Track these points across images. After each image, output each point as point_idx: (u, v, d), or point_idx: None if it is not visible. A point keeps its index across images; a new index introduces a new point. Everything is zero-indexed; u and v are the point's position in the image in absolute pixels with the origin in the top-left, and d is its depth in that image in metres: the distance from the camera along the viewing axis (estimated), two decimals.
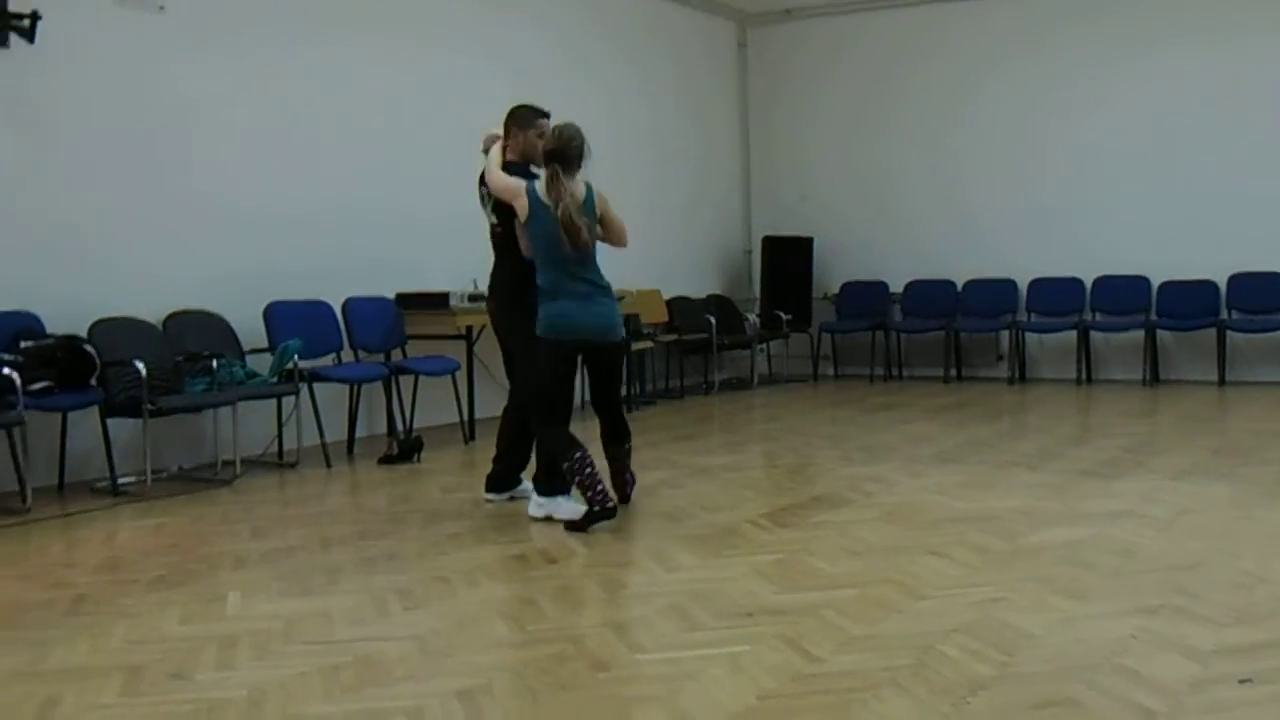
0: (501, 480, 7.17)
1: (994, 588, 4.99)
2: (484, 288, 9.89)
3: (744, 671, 4.05)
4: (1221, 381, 12.51)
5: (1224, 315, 12.66)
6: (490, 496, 7.16)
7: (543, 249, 6.44)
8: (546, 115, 6.83)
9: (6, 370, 7.19)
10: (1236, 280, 12.64)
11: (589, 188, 6.49)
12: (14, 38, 7.89)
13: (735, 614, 4.71)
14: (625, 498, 6.83)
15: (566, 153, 6.38)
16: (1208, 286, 12.76)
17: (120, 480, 7.86)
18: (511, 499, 7.11)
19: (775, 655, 4.19)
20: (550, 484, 6.63)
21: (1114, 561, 5.43)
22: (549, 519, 6.55)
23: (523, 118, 6.86)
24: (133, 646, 4.51)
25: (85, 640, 4.59)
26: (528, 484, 6.98)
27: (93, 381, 7.76)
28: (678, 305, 13.20)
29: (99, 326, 8.05)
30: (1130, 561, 5.42)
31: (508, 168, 6.67)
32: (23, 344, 7.57)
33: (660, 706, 3.75)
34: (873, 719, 3.61)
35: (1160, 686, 3.79)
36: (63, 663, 4.34)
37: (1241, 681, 3.81)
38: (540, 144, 6.60)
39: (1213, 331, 12.58)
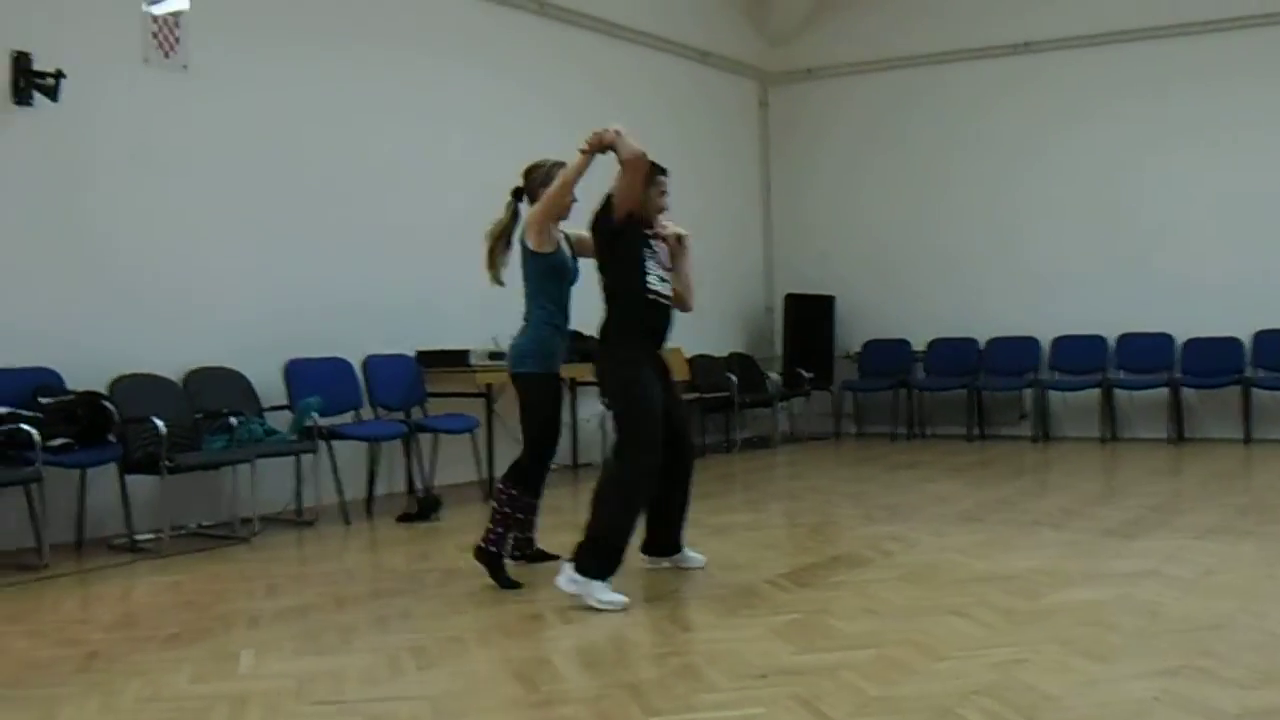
0: (654, 545, 6.70)
1: (1015, 649, 4.92)
2: (504, 345, 9.97)
3: None
4: (1247, 439, 12.39)
5: (1249, 373, 12.57)
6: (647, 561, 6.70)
7: None
8: (665, 172, 6.46)
9: (25, 426, 7.20)
10: (1262, 337, 12.56)
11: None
12: (38, 96, 7.95)
13: (751, 675, 4.65)
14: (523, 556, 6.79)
15: (524, 187, 6.52)
16: (1232, 343, 12.67)
17: (138, 537, 7.86)
18: (674, 566, 6.66)
19: (790, 717, 4.13)
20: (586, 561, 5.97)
21: (1137, 622, 5.35)
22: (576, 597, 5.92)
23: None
24: (143, 705, 4.47)
25: (96, 698, 4.56)
26: (689, 552, 6.71)
27: (112, 438, 7.77)
28: (699, 363, 13.17)
29: (119, 383, 8.08)
30: (1153, 622, 5.34)
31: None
32: (42, 400, 7.59)
33: None
34: None
35: None
36: None
37: None
38: (661, 201, 6.40)
39: (1238, 389, 12.49)
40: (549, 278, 6.39)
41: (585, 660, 5.04)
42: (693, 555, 6.71)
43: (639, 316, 6.23)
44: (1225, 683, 4.37)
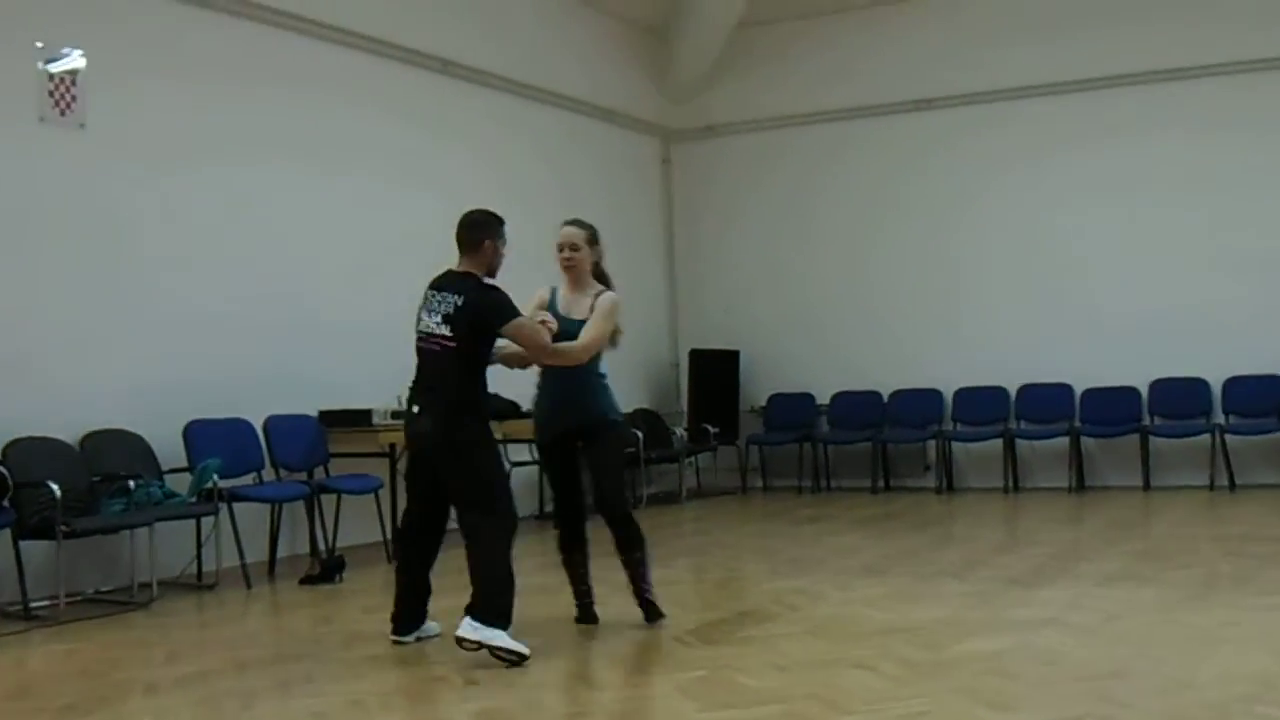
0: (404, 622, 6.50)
1: (919, 700, 4.93)
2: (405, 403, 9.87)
3: None
4: (1146, 486, 12.60)
5: (1146, 421, 12.79)
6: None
7: None
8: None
9: None
10: (1158, 386, 12.80)
11: None
12: None
13: None
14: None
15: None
16: (1130, 393, 12.89)
17: (33, 604, 7.66)
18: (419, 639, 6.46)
19: None
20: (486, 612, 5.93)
21: (1039, 670, 5.40)
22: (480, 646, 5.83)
23: (493, 227, 6.39)
24: None
25: None
26: (430, 623, 6.51)
27: (5, 503, 7.60)
28: None
29: (13, 447, 7.91)
30: (1055, 670, 5.39)
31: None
32: None
33: None
34: None
35: None
36: None
37: None
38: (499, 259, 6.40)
39: (1136, 437, 12.70)
40: None
41: None
42: (432, 625, 6.50)
43: (485, 395, 6.32)
44: None
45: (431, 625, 6.50)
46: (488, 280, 6.29)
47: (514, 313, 6.18)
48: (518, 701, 5.28)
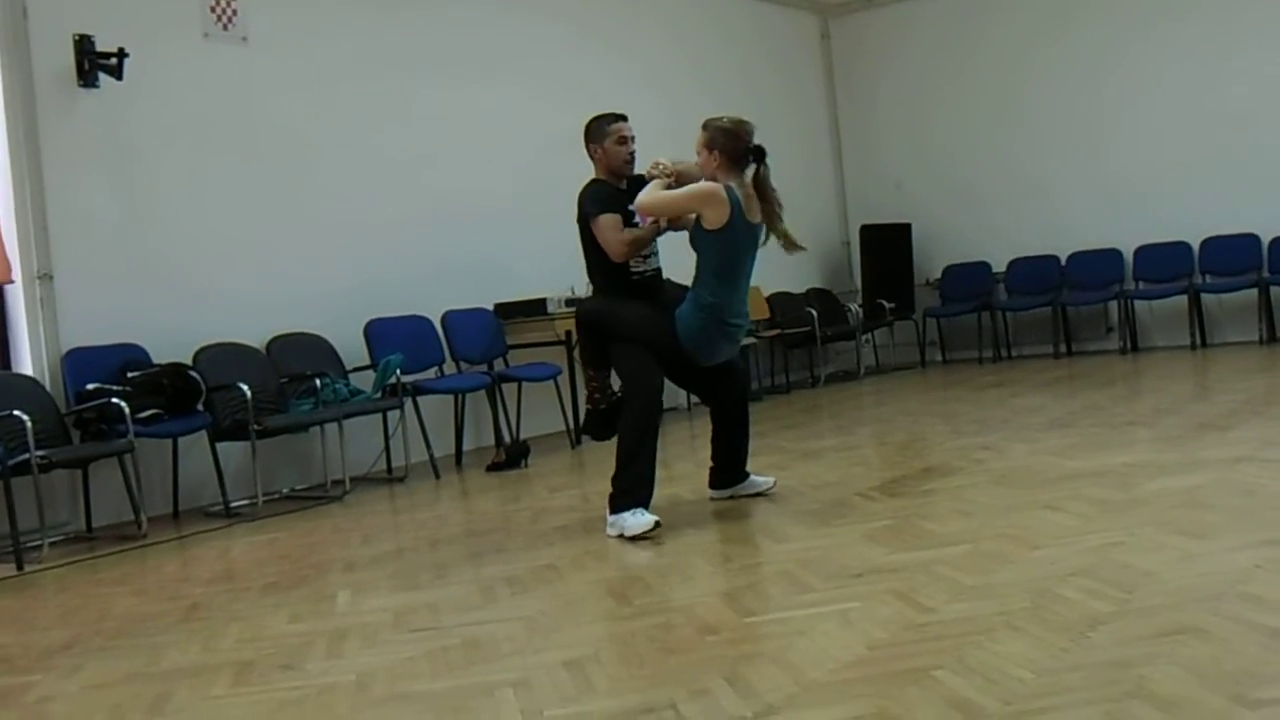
0: (719, 478, 6.59)
1: (1111, 533, 4.84)
2: (581, 292, 9.95)
3: (854, 625, 3.96)
4: None
5: None
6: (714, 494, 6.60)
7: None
8: (622, 118, 6.28)
9: (115, 400, 7.30)
10: None
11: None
12: (104, 78, 8.04)
13: (845, 576, 4.62)
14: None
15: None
16: None
17: (233, 504, 7.95)
18: (741, 495, 6.54)
19: (886, 609, 4.10)
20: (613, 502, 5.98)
21: (1235, 501, 5.26)
22: (621, 537, 5.84)
23: (595, 130, 6.29)
24: (244, 645, 4.53)
25: (198, 642, 4.62)
26: (755, 477, 6.59)
27: (200, 407, 7.85)
28: (778, 300, 13.12)
29: (203, 353, 8.19)
30: (1252, 501, 5.25)
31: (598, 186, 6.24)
32: (129, 374, 7.70)
33: (770, 662, 3.68)
34: (988, 658, 3.50)
35: None
36: (176, 663, 4.37)
37: None
38: (621, 151, 6.19)
39: None
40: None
41: (679, 575, 5.02)
42: (759, 479, 6.58)
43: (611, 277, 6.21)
44: None
45: (758, 480, 6.55)
46: (602, 179, 6.27)
47: (592, 210, 6.12)
48: (705, 557, 5.31)
